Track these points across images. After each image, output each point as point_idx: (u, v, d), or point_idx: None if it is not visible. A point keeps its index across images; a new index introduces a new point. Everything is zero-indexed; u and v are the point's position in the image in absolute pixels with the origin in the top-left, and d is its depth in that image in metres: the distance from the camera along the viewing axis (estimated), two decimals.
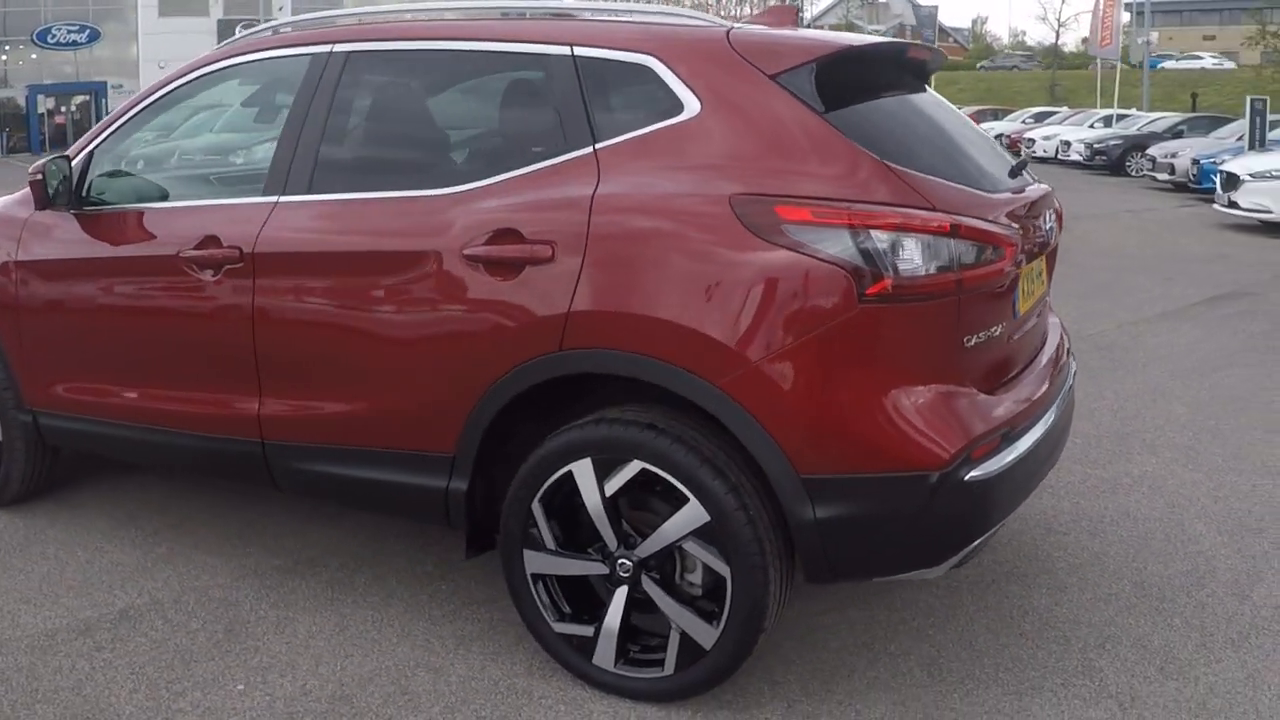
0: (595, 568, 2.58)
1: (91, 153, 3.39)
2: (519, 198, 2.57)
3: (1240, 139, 17.26)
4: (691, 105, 2.47)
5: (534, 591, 2.66)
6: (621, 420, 2.49)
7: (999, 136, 17.27)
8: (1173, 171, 17.62)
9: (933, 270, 2.31)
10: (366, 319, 2.76)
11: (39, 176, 3.26)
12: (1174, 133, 21.50)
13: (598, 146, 2.53)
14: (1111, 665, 2.75)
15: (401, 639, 2.92)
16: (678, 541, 2.46)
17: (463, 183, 2.67)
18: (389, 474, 2.80)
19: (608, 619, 2.57)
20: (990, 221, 2.44)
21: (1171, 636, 2.88)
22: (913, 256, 2.29)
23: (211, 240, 3.01)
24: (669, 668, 2.53)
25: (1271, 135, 16.54)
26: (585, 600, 2.66)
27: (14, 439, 3.72)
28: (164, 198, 3.29)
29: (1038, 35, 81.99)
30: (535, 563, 2.64)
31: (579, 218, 2.47)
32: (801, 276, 2.30)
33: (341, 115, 2.93)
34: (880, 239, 2.28)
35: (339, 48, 2.96)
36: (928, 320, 2.34)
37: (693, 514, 2.42)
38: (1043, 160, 23.67)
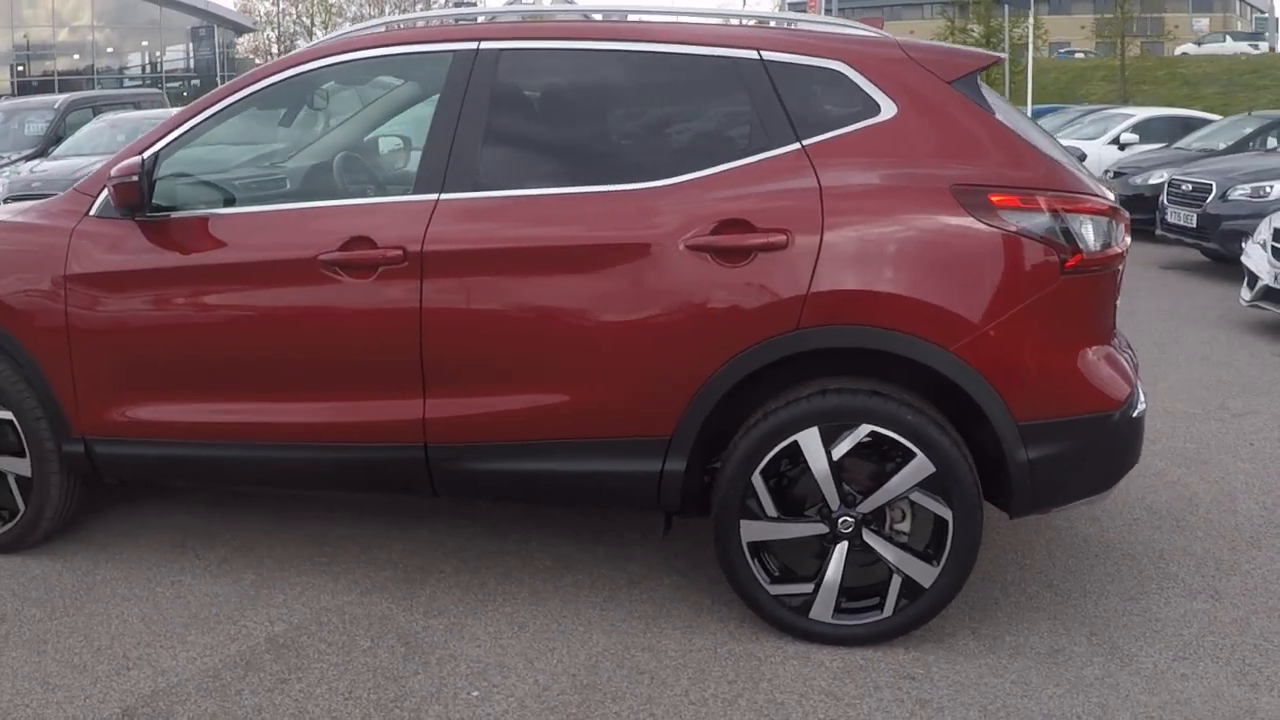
0: (815, 528, 2.79)
1: (157, 154, 3.10)
2: (739, 190, 2.74)
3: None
4: (888, 107, 2.77)
5: (749, 559, 2.83)
6: (848, 390, 2.74)
7: None
8: None
9: (1103, 245, 2.77)
10: (572, 312, 2.79)
11: (133, 178, 2.94)
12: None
13: (805, 143, 2.75)
14: (1182, 570, 3.33)
15: (589, 627, 2.95)
16: (905, 493, 2.74)
17: (664, 178, 2.78)
18: (591, 463, 2.85)
19: (828, 574, 2.79)
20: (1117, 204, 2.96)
21: (1205, 545, 3.52)
22: (1090, 234, 2.74)
23: (362, 241, 2.88)
24: (888, 610, 2.80)
25: None
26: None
27: (48, 473, 3.31)
28: (263, 200, 3.08)
29: None
30: (753, 531, 2.80)
31: (811, 207, 2.68)
32: (1017, 255, 2.67)
33: (505, 112, 2.92)
34: (1072, 220, 2.70)
35: (488, 45, 2.94)
36: (1100, 287, 2.80)
37: (919, 467, 2.71)
38: None
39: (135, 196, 2.97)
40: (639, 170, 2.84)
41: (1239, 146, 11.04)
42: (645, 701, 2.61)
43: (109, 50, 45.33)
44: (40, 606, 3.12)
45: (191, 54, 44.95)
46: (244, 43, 51.23)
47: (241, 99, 3.13)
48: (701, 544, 3.38)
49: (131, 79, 43.49)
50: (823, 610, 2.81)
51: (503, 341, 2.84)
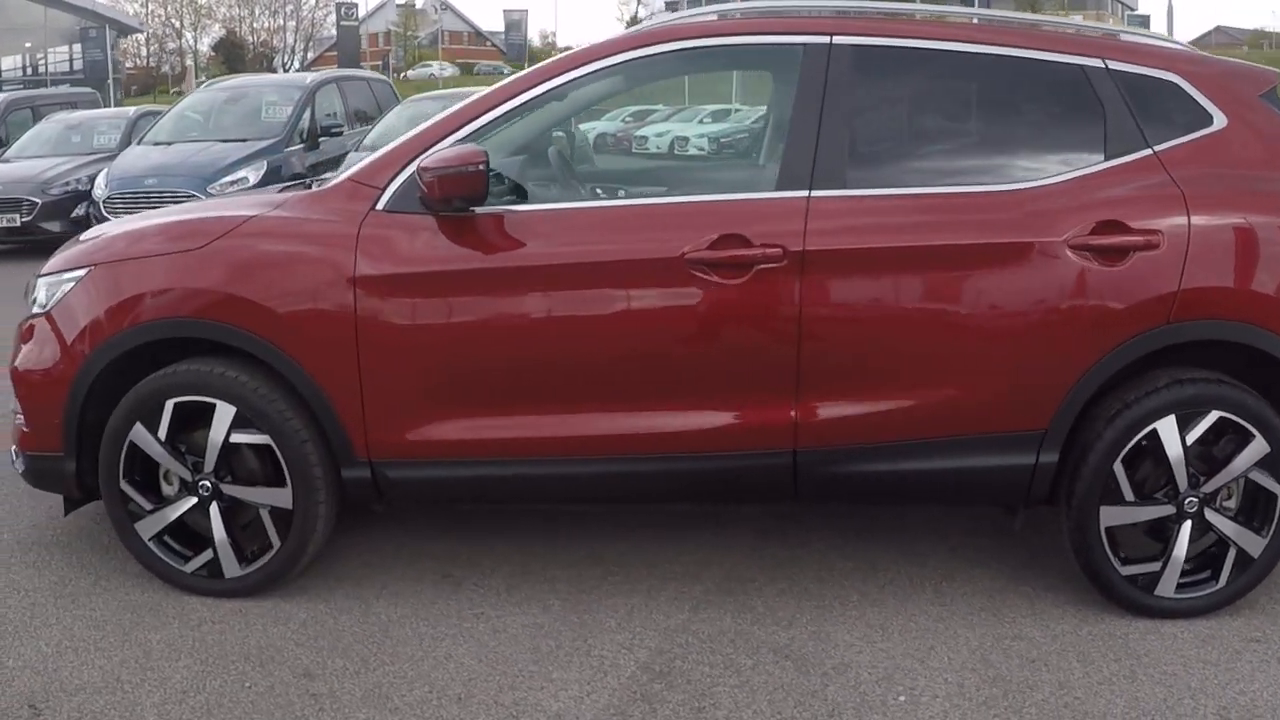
0: (1163, 510, 2.94)
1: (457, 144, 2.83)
2: (1108, 193, 2.83)
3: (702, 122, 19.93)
4: (1219, 118, 2.93)
5: (1105, 543, 2.95)
6: (1201, 380, 2.89)
7: (604, 136, 18.54)
8: None
9: None
10: (955, 312, 2.80)
11: (479, 167, 2.66)
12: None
13: (1157, 149, 2.89)
14: None
15: (945, 623, 2.96)
16: (1245, 473, 2.93)
17: (1032, 179, 2.85)
18: (964, 460, 2.87)
19: (1175, 553, 2.94)
20: None
21: None
22: None
23: (734, 239, 2.76)
24: (1223, 580, 2.99)
25: None
26: None
27: (315, 502, 2.97)
28: (595, 196, 2.88)
29: (573, 38, 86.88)
30: (1111, 516, 2.91)
31: (1177, 209, 2.81)
32: None
33: (865, 108, 2.88)
34: None
35: (840, 39, 2.89)
36: None
37: (1258, 448, 2.89)
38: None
39: (478, 188, 2.71)
40: (1006, 171, 2.89)
41: None
42: (1059, 687, 2.68)
43: None
44: (343, 656, 2.81)
45: (81, 54, 40.36)
46: (122, 43, 47.51)
47: (556, 87, 2.91)
48: (975, 534, 3.49)
49: (11, 82, 39.47)
50: (1167, 586, 2.97)
51: (883, 342, 2.82)
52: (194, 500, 3.02)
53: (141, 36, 53.30)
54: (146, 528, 3.08)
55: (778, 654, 2.82)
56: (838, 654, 2.82)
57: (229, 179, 8.31)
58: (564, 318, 2.85)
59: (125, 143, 10.61)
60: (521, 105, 2.94)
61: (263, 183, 8.43)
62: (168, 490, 3.08)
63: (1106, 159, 2.90)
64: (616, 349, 2.85)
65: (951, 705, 2.60)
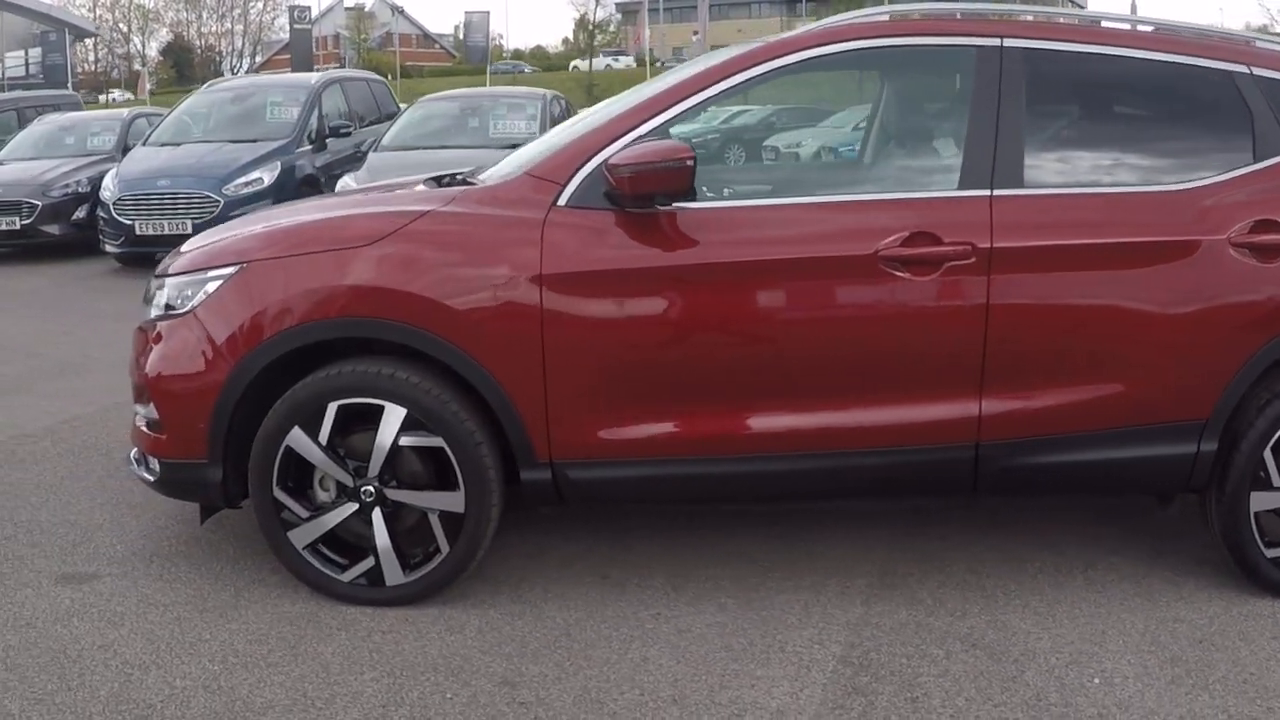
0: None
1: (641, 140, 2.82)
2: (1262, 192, 2.96)
3: (857, 128, 19.96)
4: None
5: (1252, 527, 3.07)
6: None
7: None
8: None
9: None
10: (1130, 306, 2.90)
11: (687, 162, 2.64)
12: (766, 124, 23.71)
13: None
14: None
15: (1104, 608, 3.04)
16: None
17: (1196, 180, 2.97)
18: (1133, 450, 2.96)
19: None
20: None
21: None
22: None
23: (925, 237, 2.80)
24: None
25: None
26: None
27: (489, 505, 2.90)
28: (777, 192, 2.90)
29: (521, 40, 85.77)
30: (1260, 501, 3.05)
31: None
32: None
33: (1037, 109, 2.96)
34: None
35: (1011, 42, 2.96)
36: None
37: None
38: None
39: (684, 184, 2.70)
40: (1166, 171, 3.02)
41: None
42: (1234, 665, 2.79)
43: None
44: (535, 662, 2.77)
45: (40, 59, 38.30)
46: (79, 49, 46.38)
47: (741, 82, 2.93)
48: (1094, 524, 3.59)
49: None
50: None
51: (1062, 336, 2.90)
52: (355, 506, 2.93)
53: (90, 41, 52.02)
54: (301, 536, 2.97)
55: (965, 643, 2.87)
56: (1020, 641, 2.88)
57: (243, 179, 8.12)
58: (753, 315, 2.87)
59: (122, 144, 10.42)
60: (707, 100, 2.94)
61: (276, 183, 8.29)
62: (322, 496, 2.98)
63: (1255, 160, 3.03)
64: (805, 346, 2.87)
65: (1144, 685, 2.69)
